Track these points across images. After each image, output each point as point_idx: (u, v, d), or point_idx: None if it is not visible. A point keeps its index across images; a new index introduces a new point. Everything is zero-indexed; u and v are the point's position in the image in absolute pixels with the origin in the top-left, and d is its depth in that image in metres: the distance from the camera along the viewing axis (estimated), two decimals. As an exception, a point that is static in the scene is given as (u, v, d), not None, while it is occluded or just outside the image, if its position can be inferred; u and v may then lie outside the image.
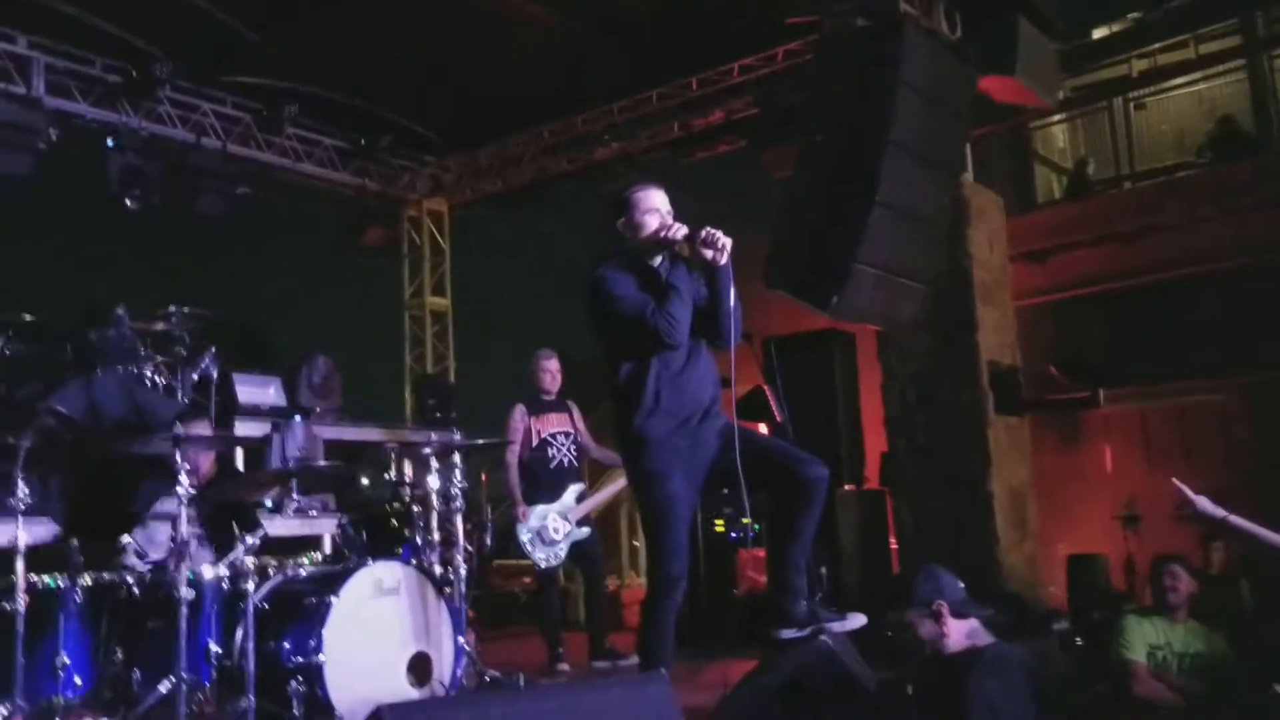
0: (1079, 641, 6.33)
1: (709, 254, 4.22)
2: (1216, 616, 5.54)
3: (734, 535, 8.80)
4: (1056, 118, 12.18)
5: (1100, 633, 5.55)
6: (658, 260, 4.40)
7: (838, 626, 4.34)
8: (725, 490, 4.16)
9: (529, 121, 11.05)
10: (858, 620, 4.38)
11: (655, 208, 4.37)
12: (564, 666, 7.26)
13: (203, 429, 5.92)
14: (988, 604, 5.07)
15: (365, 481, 8.50)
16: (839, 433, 8.67)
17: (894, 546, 8.83)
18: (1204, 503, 4.17)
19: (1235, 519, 4.18)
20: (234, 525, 5.31)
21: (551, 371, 7.56)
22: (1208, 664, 5.02)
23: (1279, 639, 5.37)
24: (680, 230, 4.28)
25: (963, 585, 4.29)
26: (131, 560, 5.14)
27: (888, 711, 4.34)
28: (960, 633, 4.09)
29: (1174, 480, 4.24)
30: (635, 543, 12.77)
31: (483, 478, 10.23)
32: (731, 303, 4.23)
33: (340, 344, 10.50)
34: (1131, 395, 9.99)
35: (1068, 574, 8.05)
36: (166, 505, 5.25)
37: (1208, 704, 4.74)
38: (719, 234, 4.20)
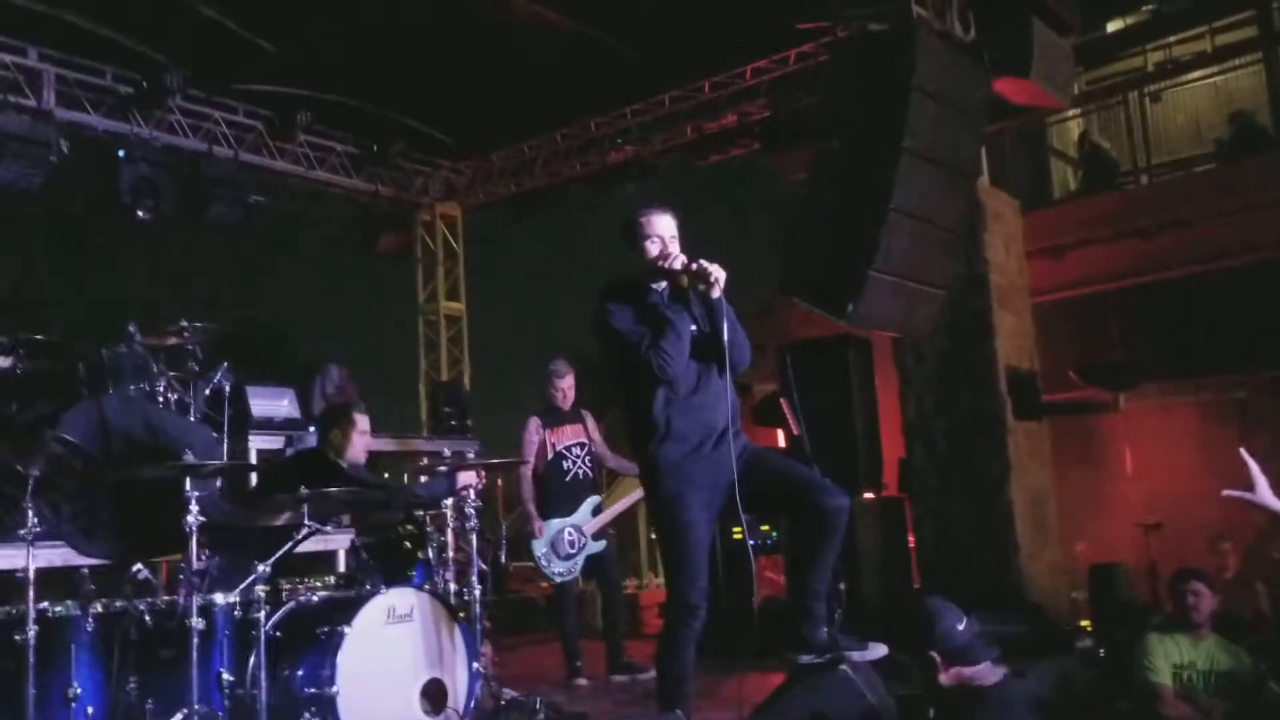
0: (1102, 654, 6.25)
1: (701, 287, 4.22)
2: (1236, 625, 5.48)
3: (753, 542, 8.71)
4: (1071, 112, 12.06)
5: (1124, 648, 5.47)
6: (661, 285, 4.35)
7: (858, 656, 4.29)
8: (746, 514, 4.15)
9: (542, 125, 10.99)
10: (878, 650, 4.33)
11: (657, 234, 4.33)
12: (582, 681, 7.21)
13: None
14: (1009, 615, 5.02)
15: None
16: (856, 439, 8.54)
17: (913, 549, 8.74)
18: (1265, 488, 3.88)
19: None
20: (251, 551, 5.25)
21: (564, 390, 7.47)
22: (1234, 681, 4.96)
23: None
24: (677, 260, 4.26)
25: (965, 624, 4.27)
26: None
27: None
28: (965, 675, 4.15)
29: (1242, 451, 3.96)
30: (653, 536, 12.73)
31: (499, 483, 10.17)
32: (727, 336, 4.21)
33: (355, 351, 10.50)
34: (1152, 394, 9.87)
35: (1090, 585, 7.93)
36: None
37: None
38: (711, 268, 4.18)
